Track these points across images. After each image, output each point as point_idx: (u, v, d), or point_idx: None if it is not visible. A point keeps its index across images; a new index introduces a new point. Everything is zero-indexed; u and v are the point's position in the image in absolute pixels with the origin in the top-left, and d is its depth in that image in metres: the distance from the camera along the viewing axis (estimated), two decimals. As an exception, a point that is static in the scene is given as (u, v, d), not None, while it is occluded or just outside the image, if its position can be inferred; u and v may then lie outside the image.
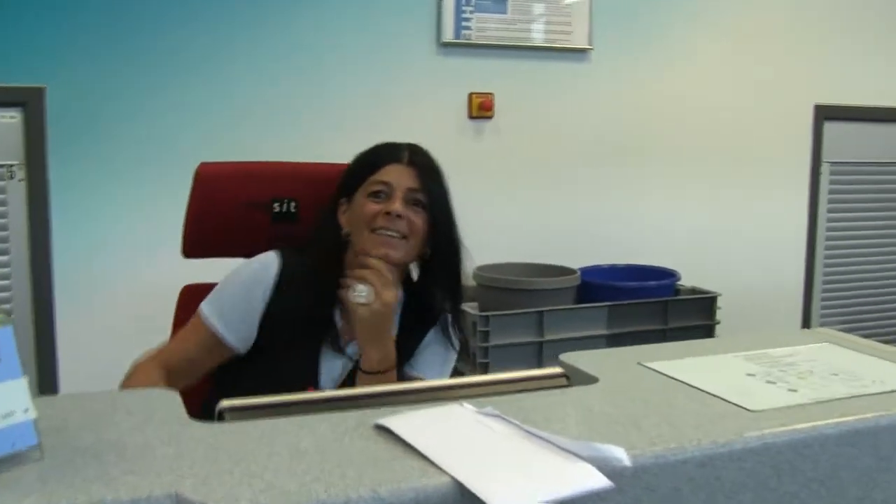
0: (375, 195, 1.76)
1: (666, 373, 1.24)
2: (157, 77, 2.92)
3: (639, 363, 1.29)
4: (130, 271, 2.94)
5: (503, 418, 0.99)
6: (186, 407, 1.01)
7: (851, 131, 4.03)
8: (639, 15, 3.55)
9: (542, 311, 2.92)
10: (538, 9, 3.34)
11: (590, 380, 1.20)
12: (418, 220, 1.75)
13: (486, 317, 2.84)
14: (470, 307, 3.00)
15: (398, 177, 1.77)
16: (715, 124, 3.74)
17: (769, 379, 1.24)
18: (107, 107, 2.89)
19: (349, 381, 1.80)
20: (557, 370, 1.19)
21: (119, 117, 2.90)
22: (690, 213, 3.73)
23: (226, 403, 1.01)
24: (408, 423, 0.98)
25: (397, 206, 1.73)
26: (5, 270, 2.87)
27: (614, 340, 3.06)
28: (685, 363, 1.30)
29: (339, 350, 1.80)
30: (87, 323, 2.89)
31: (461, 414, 1.01)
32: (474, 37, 3.27)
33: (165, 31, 2.92)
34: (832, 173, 4.04)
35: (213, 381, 1.84)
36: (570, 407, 1.09)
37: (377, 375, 1.69)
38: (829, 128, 3.97)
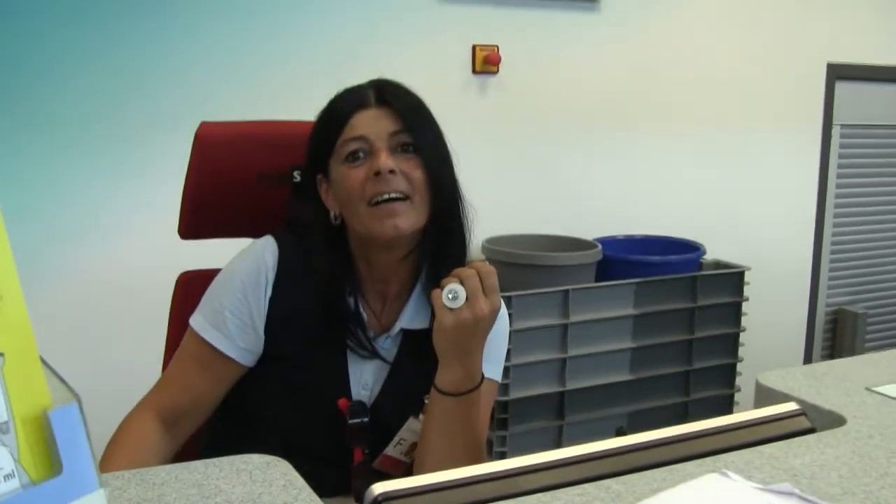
0: (353, 157, 1.38)
1: (920, 404, 0.92)
2: (130, 18, 2.45)
3: (868, 388, 0.97)
4: (107, 256, 2.48)
5: (806, 499, 0.66)
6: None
7: (865, 92, 3.77)
8: (651, -38, 3.23)
9: (568, 290, 2.61)
10: (547, -49, 2.98)
11: (832, 419, 0.88)
12: (415, 169, 1.36)
13: (509, 297, 2.51)
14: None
15: (372, 124, 1.38)
16: (724, 83, 3.45)
17: None
18: (65, 54, 2.39)
19: (387, 388, 1.45)
20: (792, 407, 0.86)
21: (80, 66, 2.41)
22: (697, 178, 3.44)
23: (379, 489, 0.66)
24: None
25: (384, 160, 1.34)
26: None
27: (641, 321, 2.76)
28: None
29: (369, 349, 1.44)
30: (52, 320, 2.41)
31: (739, 492, 0.67)
32: (478, -19, 2.90)
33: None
34: (843, 136, 3.78)
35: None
36: (850, 467, 0.76)
37: (455, 398, 1.35)
38: (842, 88, 3.71)
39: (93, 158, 2.45)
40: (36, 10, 2.36)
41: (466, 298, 1.28)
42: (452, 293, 1.27)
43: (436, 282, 1.41)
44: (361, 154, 1.37)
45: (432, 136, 1.42)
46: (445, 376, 1.35)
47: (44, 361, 0.50)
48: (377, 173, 1.34)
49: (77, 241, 2.46)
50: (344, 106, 1.42)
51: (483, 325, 1.31)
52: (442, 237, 1.44)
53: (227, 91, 2.57)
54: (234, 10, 2.59)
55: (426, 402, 1.42)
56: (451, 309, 1.28)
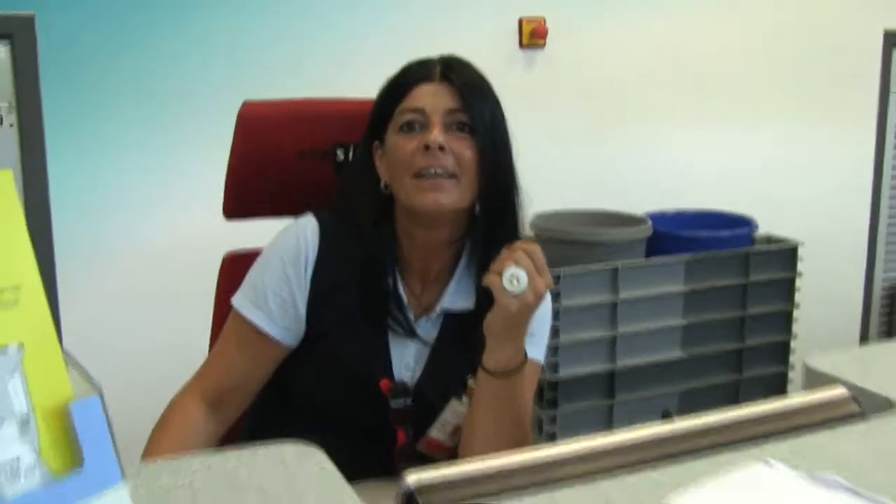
0: (408, 128, 1.39)
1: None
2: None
3: (922, 371, 0.93)
4: (153, 234, 2.50)
5: (855, 492, 0.64)
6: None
7: (924, 59, 3.65)
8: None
9: (617, 267, 2.57)
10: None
11: (882, 403, 0.85)
12: (467, 149, 1.37)
13: (557, 275, 2.48)
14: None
15: (431, 98, 1.39)
16: (776, 51, 3.36)
17: None
18: (115, 35, 2.41)
19: (430, 369, 1.45)
20: (841, 392, 0.84)
21: (130, 47, 2.43)
22: (748, 150, 3.36)
23: (412, 479, 0.65)
24: (712, 501, 0.62)
25: (436, 135, 1.35)
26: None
27: (692, 298, 2.72)
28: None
29: (405, 328, 1.43)
30: (97, 296, 2.45)
31: (782, 482, 0.65)
32: (524, -50, 2.85)
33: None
34: (901, 106, 3.68)
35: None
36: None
37: (503, 378, 1.33)
38: (900, 56, 3.60)
39: (136, 140, 2.47)
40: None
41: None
42: (515, 278, 1.25)
43: (481, 266, 1.40)
44: (417, 126, 1.38)
45: (490, 119, 1.41)
46: (495, 357, 1.34)
47: (66, 353, 0.49)
48: (427, 147, 1.35)
49: (123, 223, 2.48)
50: (409, 75, 1.43)
51: (539, 304, 1.30)
52: (493, 222, 1.43)
53: (269, 69, 2.56)
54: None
55: (469, 383, 1.42)
56: (511, 293, 1.26)
